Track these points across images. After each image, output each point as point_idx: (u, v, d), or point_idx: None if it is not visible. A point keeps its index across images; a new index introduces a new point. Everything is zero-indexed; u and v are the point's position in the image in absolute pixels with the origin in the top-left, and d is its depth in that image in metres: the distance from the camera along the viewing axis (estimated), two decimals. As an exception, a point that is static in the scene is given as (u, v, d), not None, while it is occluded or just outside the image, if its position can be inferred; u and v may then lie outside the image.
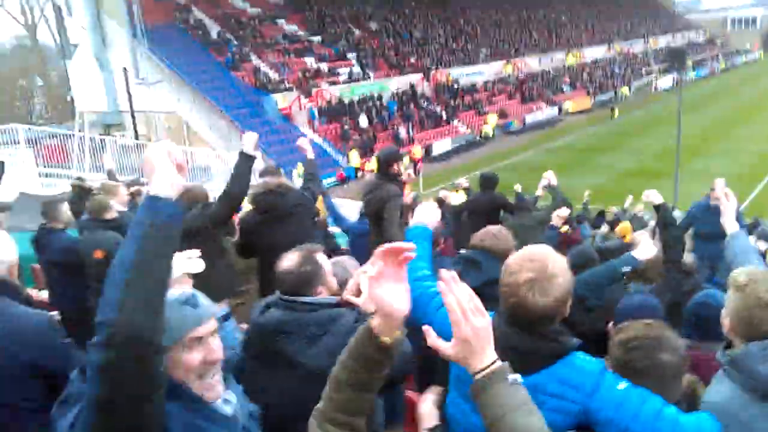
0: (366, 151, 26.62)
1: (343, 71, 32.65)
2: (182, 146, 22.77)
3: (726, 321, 1.95)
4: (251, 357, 2.27)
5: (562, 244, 5.74)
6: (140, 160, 20.78)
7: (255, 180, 4.64)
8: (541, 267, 1.74)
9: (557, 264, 1.77)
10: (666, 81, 49.38)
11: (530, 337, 1.77)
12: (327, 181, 22.67)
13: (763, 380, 1.75)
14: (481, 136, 33.16)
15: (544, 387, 1.72)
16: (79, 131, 24.32)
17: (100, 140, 19.29)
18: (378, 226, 4.78)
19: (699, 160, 24.42)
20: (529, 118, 37.19)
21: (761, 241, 8.50)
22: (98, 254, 4.22)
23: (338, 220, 7.22)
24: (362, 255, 3.34)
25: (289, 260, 2.33)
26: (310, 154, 4.92)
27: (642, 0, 72.73)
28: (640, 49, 59.19)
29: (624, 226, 8.74)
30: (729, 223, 2.96)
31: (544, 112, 39.02)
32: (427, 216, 2.56)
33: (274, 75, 30.05)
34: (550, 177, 6.66)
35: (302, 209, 4.42)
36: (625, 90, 46.60)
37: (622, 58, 55.02)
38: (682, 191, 17.43)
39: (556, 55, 48.22)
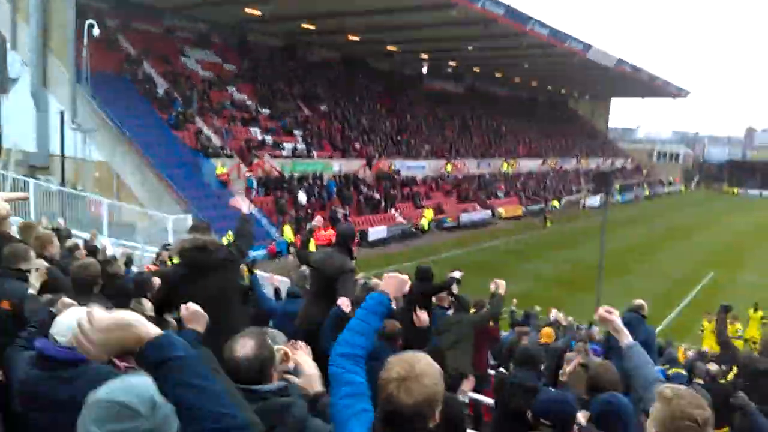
0: (300, 228, 26.21)
1: (288, 146, 32.73)
2: (109, 199, 21.76)
3: (652, 429, 2.15)
4: None
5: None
6: (62, 205, 19.74)
7: (184, 235, 4.70)
8: (410, 367, 1.81)
9: (427, 367, 1.83)
10: (594, 200, 52.25)
11: None
12: (256, 253, 21.94)
13: None
14: (416, 228, 33.51)
15: None
16: (2, 169, 22.98)
17: (24, 181, 18.33)
18: (325, 296, 4.79)
19: (620, 278, 25.29)
20: (464, 217, 38.08)
21: (667, 365, 9.13)
22: (4, 304, 3.92)
23: (262, 299, 6.89)
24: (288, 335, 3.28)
25: (243, 346, 2.20)
26: (245, 210, 4.84)
27: (580, 123, 78.48)
28: (572, 167, 62.96)
29: (547, 331, 8.94)
30: (623, 335, 3.08)
31: (478, 213, 40.11)
32: (394, 286, 2.44)
33: (216, 140, 29.68)
34: (500, 285, 6.76)
35: (228, 266, 4.38)
36: (555, 202, 48.90)
37: (555, 173, 58.23)
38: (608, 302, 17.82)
39: (494, 162, 50.43)
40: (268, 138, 32.32)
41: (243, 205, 4.87)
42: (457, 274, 7.08)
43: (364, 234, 29.85)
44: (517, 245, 33.64)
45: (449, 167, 43.49)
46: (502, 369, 8.12)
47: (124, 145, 26.30)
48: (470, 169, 46.41)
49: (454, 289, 7.03)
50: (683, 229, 42.39)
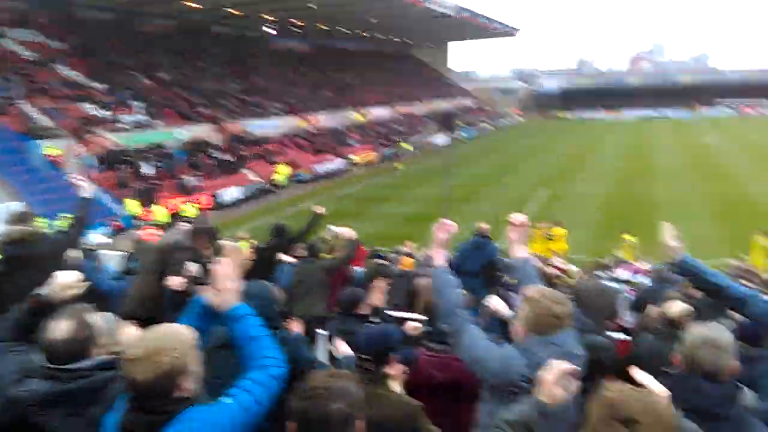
0: (148, 199, 26.08)
1: (128, 118, 31.89)
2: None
3: (519, 329, 2.51)
4: None
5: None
6: None
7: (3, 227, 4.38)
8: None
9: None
10: (441, 139, 55.48)
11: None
12: (98, 231, 21.74)
13: None
14: (271, 184, 34.27)
15: None
16: None
17: None
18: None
19: (468, 205, 27.47)
20: (319, 168, 39.36)
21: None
22: None
23: (97, 282, 6.40)
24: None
25: (58, 329, 2.17)
26: (84, 193, 4.58)
27: (424, 70, 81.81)
28: (420, 111, 66.11)
29: (407, 260, 9.69)
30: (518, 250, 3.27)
31: (333, 163, 41.55)
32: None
33: (45, 121, 28.32)
34: (345, 232, 7.05)
35: (50, 257, 4.01)
36: (405, 145, 51.53)
37: (404, 118, 60.95)
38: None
39: (346, 113, 51.90)
40: (106, 113, 31.26)
41: (83, 185, 4.63)
42: (318, 210, 7.50)
43: (216, 196, 30.21)
44: (372, 190, 35.31)
45: (303, 123, 44.29)
46: None
47: (-61, 136, 24.48)
48: (323, 122, 47.55)
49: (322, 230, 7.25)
50: (521, 156, 46.63)
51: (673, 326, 3.89)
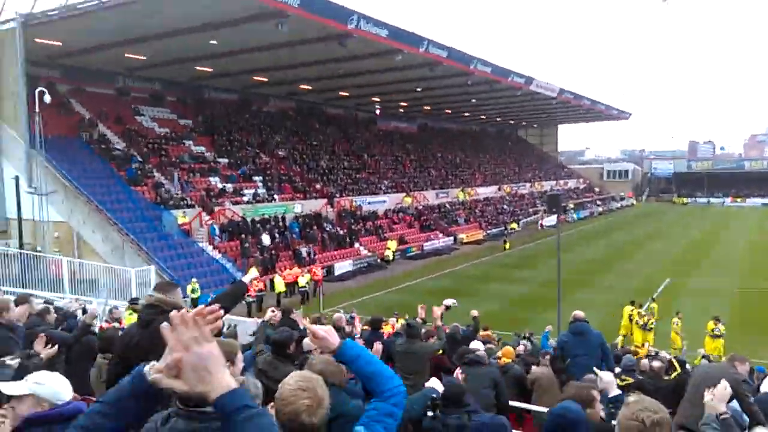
0: (267, 269, 26.58)
1: (248, 192, 33.27)
2: (70, 257, 21.86)
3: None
4: None
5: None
6: (21, 268, 19.73)
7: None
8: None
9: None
10: (550, 220, 53.75)
11: None
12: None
13: None
14: (382, 259, 34.10)
15: None
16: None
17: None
18: None
19: (582, 291, 25.88)
20: (427, 245, 38.89)
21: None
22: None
23: None
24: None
25: None
26: (245, 277, 5.23)
27: (530, 149, 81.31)
28: (527, 191, 64.94)
29: (507, 350, 9.22)
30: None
31: (440, 241, 40.99)
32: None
33: (176, 192, 30.05)
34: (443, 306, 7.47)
35: None
36: (514, 225, 50.26)
37: (511, 198, 59.96)
38: (564, 320, 18.52)
39: (451, 191, 51.79)
40: (228, 186, 32.81)
41: (246, 277, 5.24)
42: (449, 302, 7.76)
43: (330, 269, 30.35)
44: (480, 268, 34.26)
45: (408, 199, 44.52)
46: None
47: (81, 203, 26.44)
48: (429, 200, 47.57)
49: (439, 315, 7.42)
50: (637, 242, 43.93)
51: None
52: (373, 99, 50.61)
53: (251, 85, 41.03)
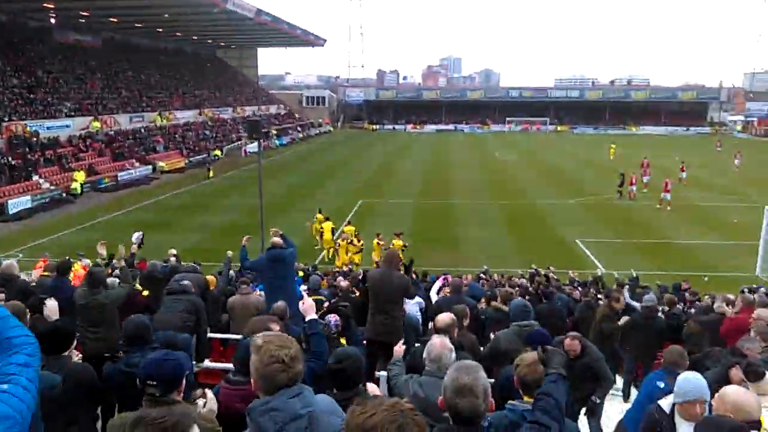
0: None
1: None
2: None
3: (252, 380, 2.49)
4: None
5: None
6: None
7: None
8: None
9: None
10: (254, 146, 54.50)
11: None
12: None
13: None
14: (68, 193, 30.71)
15: None
16: None
17: None
18: None
19: (284, 216, 26.67)
20: (122, 176, 36.19)
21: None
22: None
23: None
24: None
25: None
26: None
27: (230, 72, 79.53)
28: (229, 116, 64.18)
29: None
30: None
31: (137, 170, 38.51)
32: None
33: None
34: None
35: None
36: (217, 152, 49.67)
37: (213, 123, 58.66)
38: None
39: (147, 115, 48.39)
40: None
41: None
42: (135, 237, 7.92)
43: (3, 207, 26.33)
44: (183, 198, 33.20)
45: (97, 123, 40.30)
46: None
47: None
48: (122, 125, 43.80)
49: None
50: (335, 165, 47.54)
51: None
52: (46, 5, 43.20)
53: None
